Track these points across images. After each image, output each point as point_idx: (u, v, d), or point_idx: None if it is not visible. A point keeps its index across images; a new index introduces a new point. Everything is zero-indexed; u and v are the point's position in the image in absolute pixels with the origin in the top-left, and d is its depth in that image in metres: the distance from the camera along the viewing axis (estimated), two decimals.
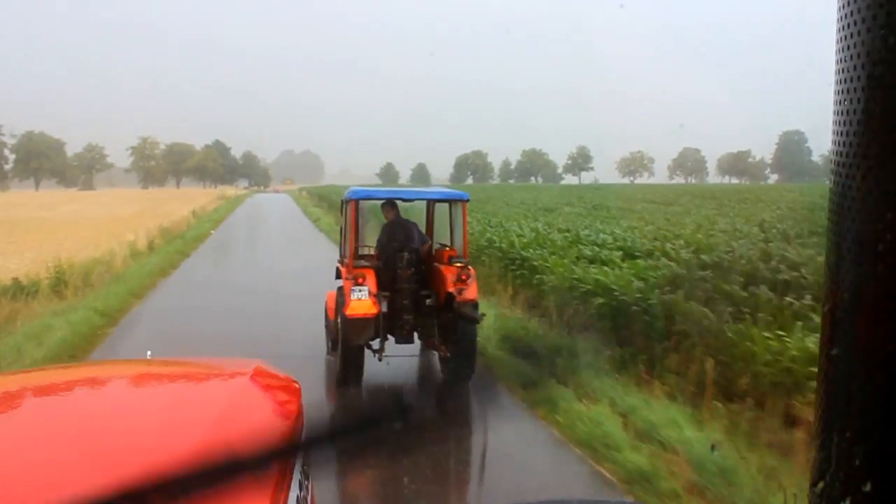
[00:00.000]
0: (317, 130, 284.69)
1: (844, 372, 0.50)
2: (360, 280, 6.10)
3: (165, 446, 1.28)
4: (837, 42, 0.49)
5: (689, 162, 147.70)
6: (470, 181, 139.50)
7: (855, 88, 0.48)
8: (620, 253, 10.39)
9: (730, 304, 6.57)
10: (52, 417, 1.50)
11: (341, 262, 6.97)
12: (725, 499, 3.94)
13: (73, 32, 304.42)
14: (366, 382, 6.28)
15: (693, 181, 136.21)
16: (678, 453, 4.46)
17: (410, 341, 6.64)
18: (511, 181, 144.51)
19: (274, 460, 0.85)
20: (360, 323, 6.04)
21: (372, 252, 7.08)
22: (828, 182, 0.53)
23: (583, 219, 19.97)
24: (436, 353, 6.95)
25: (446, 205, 7.42)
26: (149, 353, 3.19)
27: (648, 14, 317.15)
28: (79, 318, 8.67)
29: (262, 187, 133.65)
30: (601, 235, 12.78)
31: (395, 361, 6.50)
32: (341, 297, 6.34)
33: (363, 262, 6.52)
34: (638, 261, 9.47)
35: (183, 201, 45.13)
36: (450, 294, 6.27)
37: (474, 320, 6.22)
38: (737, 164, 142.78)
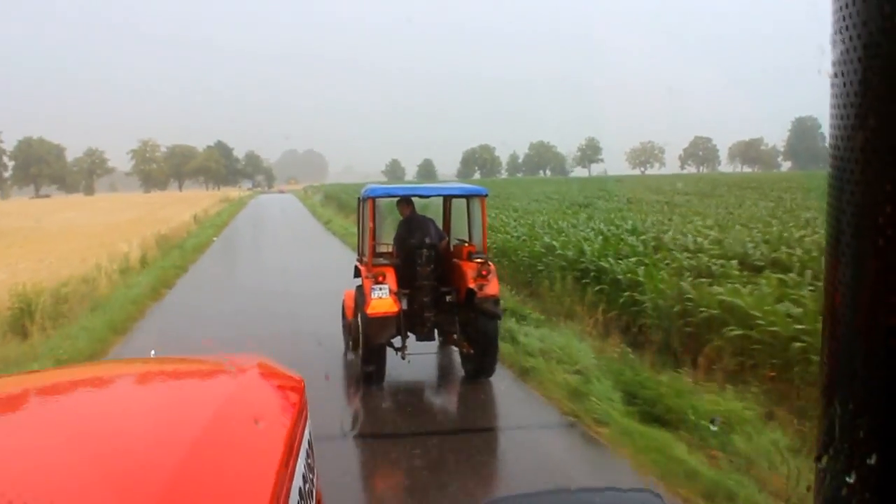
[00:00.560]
0: (319, 128, 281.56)
1: (847, 346, 0.49)
2: (381, 278, 6.04)
3: (169, 442, 1.25)
4: (833, 34, 0.49)
5: (700, 151, 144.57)
6: (477, 175, 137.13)
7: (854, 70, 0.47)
8: (734, 262, 8.12)
9: None
10: (57, 417, 1.47)
11: (360, 260, 6.92)
12: None
13: (72, 33, 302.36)
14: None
15: (704, 170, 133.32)
16: None
17: (431, 338, 6.66)
18: (519, 175, 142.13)
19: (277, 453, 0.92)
20: (382, 321, 5.99)
21: (389, 250, 6.90)
22: (829, 150, 0.50)
23: (626, 214, 17.52)
24: (455, 350, 6.83)
25: (462, 200, 7.20)
26: (153, 351, 2.89)
27: (657, 2, 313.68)
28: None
29: (265, 188, 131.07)
30: (688, 237, 10.48)
31: (415, 359, 6.40)
32: (361, 295, 6.27)
33: (382, 260, 6.43)
34: (768, 275, 7.23)
35: (184, 205, 42.76)
36: (470, 290, 6.20)
37: (496, 316, 6.21)
38: (748, 151, 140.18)
